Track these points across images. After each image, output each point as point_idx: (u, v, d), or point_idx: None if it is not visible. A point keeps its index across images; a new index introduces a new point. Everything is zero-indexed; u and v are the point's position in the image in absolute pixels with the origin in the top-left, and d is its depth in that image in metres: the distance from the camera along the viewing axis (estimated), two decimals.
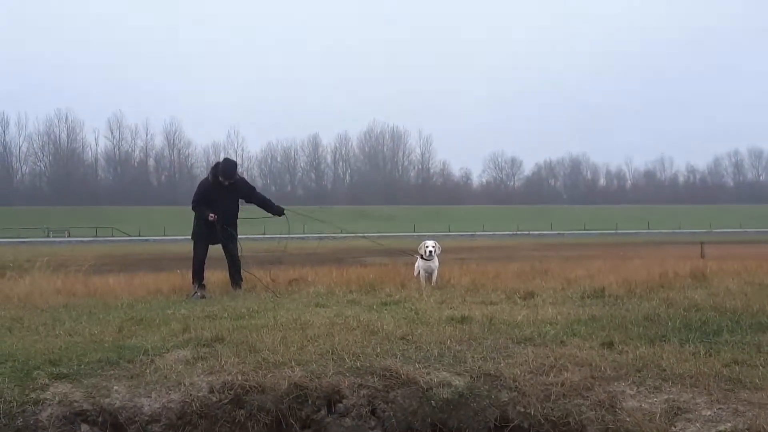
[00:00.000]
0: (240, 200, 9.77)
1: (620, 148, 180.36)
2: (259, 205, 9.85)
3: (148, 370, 4.82)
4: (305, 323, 6.37)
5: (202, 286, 9.38)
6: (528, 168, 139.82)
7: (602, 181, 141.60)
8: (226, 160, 9.62)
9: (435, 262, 9.90)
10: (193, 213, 9.67)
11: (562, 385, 4.49)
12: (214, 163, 9.73)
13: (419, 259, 10.06)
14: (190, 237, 9.91)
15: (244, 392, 4.53)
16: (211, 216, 9.25)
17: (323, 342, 5.49)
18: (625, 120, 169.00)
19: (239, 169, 9.80)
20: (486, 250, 33.82)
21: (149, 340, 5.72)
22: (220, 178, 9.31)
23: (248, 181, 10.20)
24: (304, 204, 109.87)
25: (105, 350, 5.32)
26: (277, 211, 9.90)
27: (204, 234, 9.50)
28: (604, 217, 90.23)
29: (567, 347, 5.27)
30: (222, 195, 9.37)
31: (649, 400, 4.25)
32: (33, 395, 4.43)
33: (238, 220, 9.81)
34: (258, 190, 10.14)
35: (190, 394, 4.49)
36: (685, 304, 7.06)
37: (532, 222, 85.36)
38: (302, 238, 53.31)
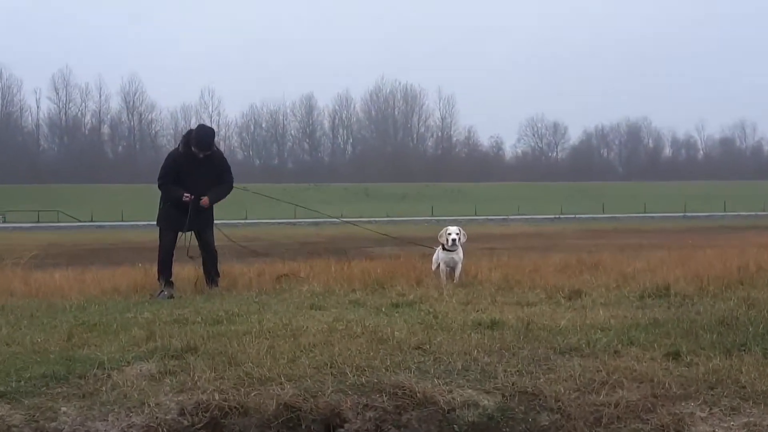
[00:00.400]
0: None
1: (690, 111, 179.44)
2: (216, 186, 9.70)
3: (103, 388, 4.84)
4: (297, 329, 6.38)
5: (169, 283, 9.42)
6: (574, 136, 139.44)
7: (667, 152, 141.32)
8: (201, 127, 9.62)
9: (459, 254, 9.91)
10: (160, 193, 9.69)
11: (617, 405, 4.50)
12: (185, 131, 9.73)
13: (439, 250, 10.07)
14: (155, 222, 9.93)
15: (222, 415, 4.55)
16: (186, 196, 9.26)
17: (320, 352, 5.51)
18: (696, 75, 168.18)
19: (216, 139, 9.81)
20: (522, 237, 33.81)
21: (105, 350, 5.74)
22: (193, 149, 9.32)
23: (225, 155, 10.19)
24: (295, 181, 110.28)
25: (50, 363, 5.35)
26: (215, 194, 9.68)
27: (173, 219, 9.52)
28: (669, 196, 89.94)
29: (622, 359, 5.27)
30: (195, 170, 9.37)
31: (725, 424, 4.25)
32: None
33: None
34: (236, 166, 10.13)
35: (156, 418, 4.52)
36: None
37: (579, 203, 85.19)
38: (292, 224, 53.48)
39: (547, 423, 4.49)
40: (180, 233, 9.61)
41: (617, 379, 4.82)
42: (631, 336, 5.94)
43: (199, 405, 4.60)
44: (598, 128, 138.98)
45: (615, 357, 5.34)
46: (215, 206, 9.84)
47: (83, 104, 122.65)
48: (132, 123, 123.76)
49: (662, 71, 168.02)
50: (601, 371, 4.97)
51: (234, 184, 9.92)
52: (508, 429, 4.49)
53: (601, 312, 7.07)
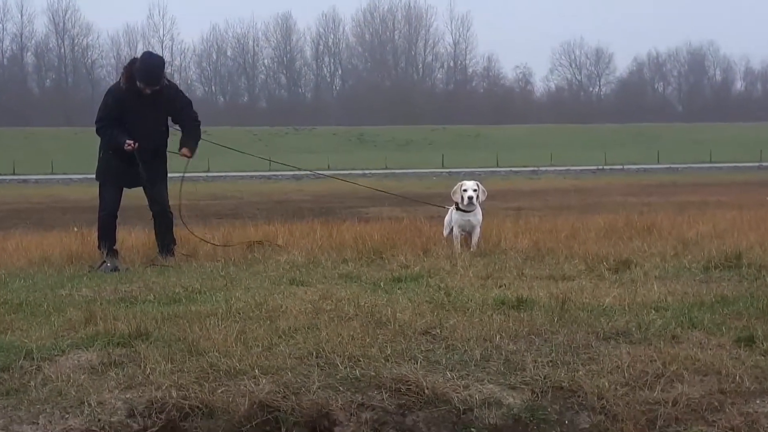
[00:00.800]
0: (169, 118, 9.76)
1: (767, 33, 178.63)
2: (184, 130, 9.79)
3: (32, 383, 4.86)
4: (274, 310, 6.39)
5: (113, 252, 9.43)
6: (622, 66, 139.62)
7: (739, 85, 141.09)
8: (147, 56, 9.60)
9: (477, 215, 9.91)
10: (99, 138, 9.67)
11: (675, 404, 4.52)
12: (128, 61, 9.70)
13: (452, 211, 10.07)
14: (94, 176, 9.91)
15: (181, 416, 4.57)
16: (129, 144, 9.25)
17: (303, 339, 5.52)
18: None
19: (167, 70, 9.77)
20: (555, 194, 33.85)
21: (33, 336, 5.73)
22: (138, 84, 9.28)
23: (182, 89, 10.17)
24: (270, 124, 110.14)
25: None
26: (181, 143, 9.78)
27: (116, 172, 9.51)
28: (740, 142, 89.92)
29: (682, 345, 5.29)
30: (142, 110, 9.34)
31: None
32: None
33: (168, 150, 9.82)
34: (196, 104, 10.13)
35: (99, 420, 4.53)
36: None
37: (628, 150, 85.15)
38: (267, 177, 53.47)
39: (587, 425, 4.52)
40: (126, 189, 9.61)
41: (676, 370, 4.84)
42: (693, 317, 5.95)
43: (152, 404, 4.61)
44: (651, 56, 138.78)
45: (673, 343, 5.36)
46: (168, 156, 9.83)
47: (1, 26, 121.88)
48: (63, 50, 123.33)
49: None
50: (655, 361, 4.99)
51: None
52: None
53: (655, 287, 7.08)
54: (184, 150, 9.63)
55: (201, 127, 9.91)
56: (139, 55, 9.68)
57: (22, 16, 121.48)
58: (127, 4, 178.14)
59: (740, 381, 4.72)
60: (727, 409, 4.48)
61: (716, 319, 5.90)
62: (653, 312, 6.15)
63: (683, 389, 4.63)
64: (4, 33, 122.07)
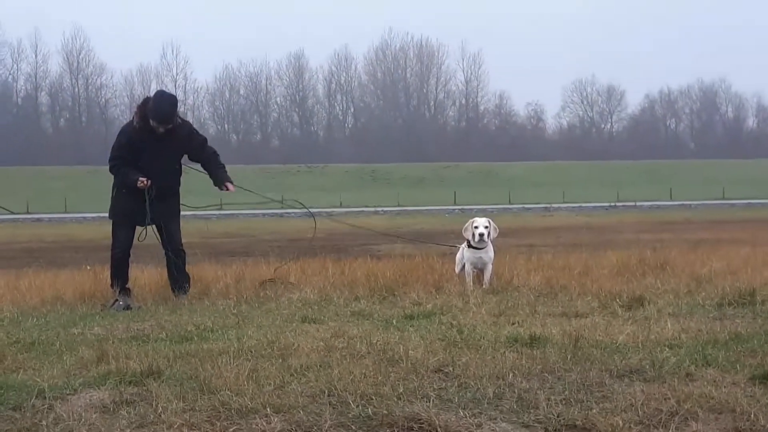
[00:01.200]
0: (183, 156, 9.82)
1: None
2: (204, 166, 9.89)
3: (44, 422, 4.85)
4: (286, 348, 6.39)
5: (125, 290, 9.45)
6: (634, 103, 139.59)
7: (751, 122, 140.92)
8: (160, 95, 9.65)
9: (489, 252, 9.92)
10: (112, 177, 9.71)
11: None
12: (142, 100, 9.75)
13: (464, 248, 10.08)
14: (107, 215, 9.95)
15: None
16: (141, 181, 9.29)
17: (315, 377, 5.51)
18: None
19: (181, 108, 9.82)
20: (568, 231, 33.80)
21: (45, 375, 5.75)
22: (151, 123, 9.34)
23: (195, 127, 10.23)
24: (282, 162, 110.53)
25: None
26: (220, 179, 9.87)
27: (129, 210, 9.55)
28: (753, 178, 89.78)
29: (696, 383, 5.26)
30: (155, 149, 9.40)
31: None
32: None
33: (181, 188, 9.86)
34: (210, 142, 10.19)
35: None
36: None
37: (641, 187, 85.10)
38: (279, 215, 53.56)
39: None
40: (137, 227, 9.65)
41: (690, 408, 4.80)
42: (708, 355, 5.92)
43: None
44: (663, 93, 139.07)
45: (687, 381, 5.32)
46: (182, 193, 9.88)
47: (15, 66, 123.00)
48: (77, 90, 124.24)
49: (744, 19, 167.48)
50: (669, 399, 4.95)
51: (202, 168, 10.00)
52: None
53: (668, 324, 7.05)
54: (228, 184, 9.73)
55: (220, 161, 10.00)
56: (152, 94, 9.74)
57: (36, 56, 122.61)
58: (141, 44, 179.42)
59: (755, 419, 4.68)
60: None
61: (731, 357, 5.86)
62: (667, 349, 6.13)
63: (698, 427, 4.59)
64: (19, 73, 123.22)
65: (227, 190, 9.71)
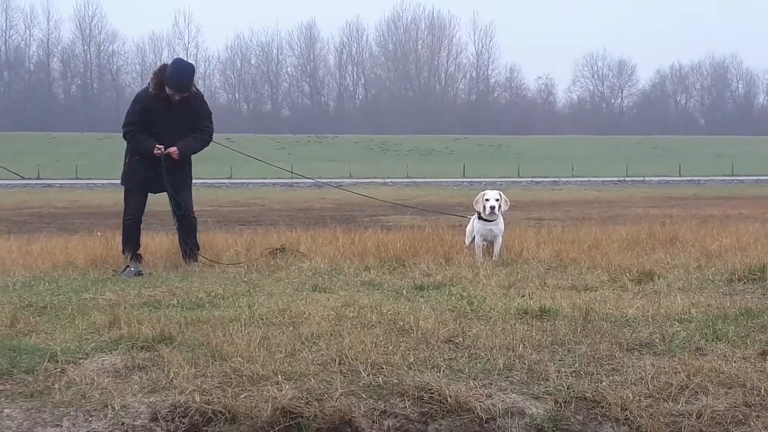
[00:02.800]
0: None
1: None
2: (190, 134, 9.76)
3: (56, 386, 4.87)
4: (297, 316, 6.40)
5: (137, 256, 9.47)
6: (644, 77, 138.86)
7: (761, 98, 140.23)
8: (179, 63, 9.63)
9: (499, 225, 9.91)
10: (124, 144, 9.71)
11: (699, 416, 4.49)
12: (158, 67, 9.72)
13: (474, 220, 10.07)
14: (119, 181, 9.95)
15: (204, 420, 4.57)
16: (158, 148, 9.28)
17: (326, 345, 5.53)
18: None
19: (195, 78, 9.80)
20: (577, 205, 33.76)
21: (58, 338, 5.77)
22: (167, 91, 9.32)
23: (205, 98, 10.19)
24: (292, 132, 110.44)
25: None
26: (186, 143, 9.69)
27: (141, 177, 9.56)
28: (763, 155, 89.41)
29: (707, 357, 5.26)
30: (170, 116, 9.38)
31: None
32: None
33: (193, 157, 9.86)
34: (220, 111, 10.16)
35: (122, 423, 4.53)
36: None
37: (650, 162, 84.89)
38: (289, 185, 53.59)
39: None
40: (150, 194, 9.66)
41: (700, 382, 4.81)
42: (717, 329, 5.93)
43: (175, 408, 4.61)
44: (674, 68, 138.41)
45: (697, 355, 5.34)
46: (193, 162, 9.87)
47: (27, 32, 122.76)
48: (88, 56, 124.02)
49: None
50: (679, 373, 4.96)
51: (214, 137, 9.94)
52: None
53: (678, 299, 7.05)
54: (173, 149, 9.42)
55: (209, 142, 9.87)
56: (168, 62, 9.70)
57: (48, 22, 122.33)
58: (153, 12, 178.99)
59: (765, 394, 4.69)
60: (752, 422, 4.46)
61: (740, 332, 5.87)
62: (677, 324, 6.13)
63: (708, 401, 4.60)
64: (31, 39, 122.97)
65: (168, 151, 9.41)
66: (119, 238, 9.90)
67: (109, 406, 4.60)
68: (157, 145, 9.29)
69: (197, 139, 9.70)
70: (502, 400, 4.70)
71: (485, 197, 9.88)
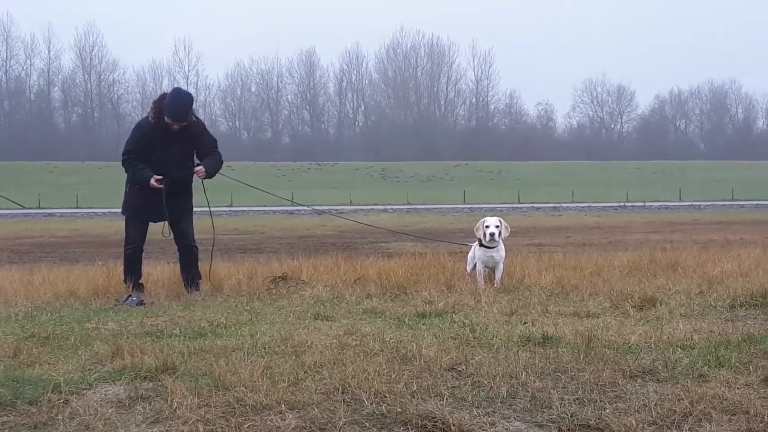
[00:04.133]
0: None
1: None
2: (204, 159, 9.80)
3: (60, 416, 4.86)
4: (300, 345, 6.41)
5: (139, 286, 9.48)
6: (644, 103, 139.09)
7: (761, 123, 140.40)
8: (176, 92, 9.66)
9: (500, 252, 9.93)
10: (124, 173, 9.74)
11: None
12: (158, 96, 9.77)
13: (475, 247, 10.08)
14: (119, 210, 9.97)
15: None
16: (155, 179, 9.31)
17: (329, 374, 5.53)
18: None
19: (194, 106, 9.84)
20: (578, 231, 33.73)
21: (61, 369, 5.77)
22: (167, 120, 9.36)
23: (207, 124, 10.24)
24: (293, 159, 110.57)
25: None
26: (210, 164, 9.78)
27: (142, 206, 9.58)
28: (763, 180, 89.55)
29: (710, 384, 5.25)
30: (169, 145, 9.42)
31: None
32: None
33: (193, 184, 9.88)
34: (220, 139, 10.19)
35: None
36: None
37: (650, 187, 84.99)
38: (289, 212, 53.61)
39: None
40: (150, 222, 9.68)
41: (703, 409, 4.80)
42: (720, 356, 5.92)
43: None
44: (673, 93, 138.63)
45: (700, 382, 5.33)
46: (194, 190, 9.90)
47: (28, 61, 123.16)
48: (89, 85, 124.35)
49: (755, 20, 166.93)
50: (682, 400, 4.95)
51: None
52: None
53: (681, 325, 7.06)
54: (200, 168, 9.55)
55: (223, 164, 9.90)
56: (168, 90, 9.75)
57: (49, 51, 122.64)
58: (153, 41, 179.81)
59: None
60: None
61: (743, 358, 5.86)
62: (680, 350, 6.13)
63: (711, 428, 4.59)
64: (32, 68, 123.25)
65: (197, 172, 9.56)
66: (121, 268, 9.91)
67: None
68: (156, 176, 9.30)
69: (215, 160, 9.74)
70: (506, 428, 4.69)
71: (485, 224, 9.90)
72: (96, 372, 5.70)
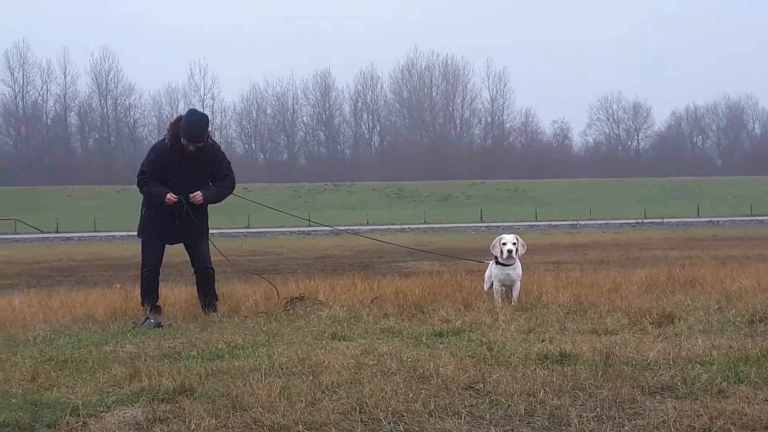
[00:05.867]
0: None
1: None
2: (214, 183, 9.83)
3: None
4: (317, 365, 6.40)
5: (156, 308, 9.50)
6: (660, 119, 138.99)
7: None
8: (192, 114, 9.71)
9: (517, 269, 9.90)
10: (141, 196, 9.77)
11: None
12: (174, 118, 9.82)
13: (492, 265, 10.06)
14: (135, 233, 10.00)
15: None
16: (170, 197, 9.34)
17: (346, 394, 5.52)
18: None
19: (209, 128, 9.88)
20: (595, 248, 33.67)
21: (79, 392, 5.79)
22: (183, 141, 9.40)
23: (223, 147, 10.28)
24: (309, 180, 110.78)
25: (11, 408, 5.39)
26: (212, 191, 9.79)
27: (158, 228, 9.61)
28: None
29: (729, 400, 5.22)
30: (185, 167, 9.45)
31: None
32: None
33: (209, 206, 9.90)
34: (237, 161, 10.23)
35: None
36: None
37: (668, 204, 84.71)
38: (306, 233, 53.69)
39: None
40: (167, 245, 9.72)
41: (722, 425, 4.77)
42: (739, 371, 5.88)
43: None
44: (689, 110, 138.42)
45: (719, 398, 5.30)
46: (210, 212, 9.93)
47: (44, 87, 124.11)
48: (105, 110, 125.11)
49: None
50: (701, 416, 4.93)
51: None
52: None
53: (699, 341, 7.02)
54: (197, 194, 9.50)
55: (233, 188, 9.94)
56: (184, 113, 9.80)
57: (65, 77, 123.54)
58: (169, 65, 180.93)
59: None
60: None
61: (763, 374, 5.82)
62: (698, 366, 6.09)
63: None
64: (48, 94, 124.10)
65: (192, 197, 9.48)
66: (138, 290, 9.94)
67: None
68: (169, 195, 9.32)
69: (220, 187, 9.77)
70: None
71: (502, 241, 9.88)
72: (114, 394, 5.71)
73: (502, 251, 9.81)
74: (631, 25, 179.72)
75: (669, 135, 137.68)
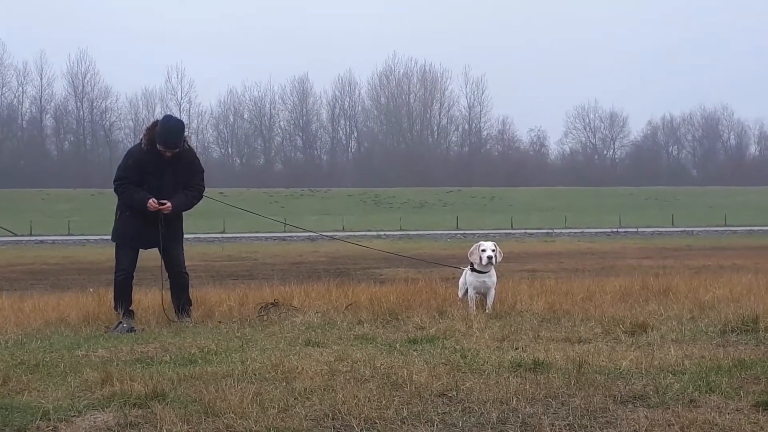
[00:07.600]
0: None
1: None
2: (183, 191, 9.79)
3: None
4: (290, 371, 6.39)
5: (129, 312, 9.46)
6: (636, 129, 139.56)
7: (753, 149, 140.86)
8: (167, 120, 9.67)
9: (492, 277, 9.92)
10: (116, 200, 9.74)
11: None
12: (151, 123, 9.79)
13: (467, 272, 10.08)
14: (110, 237, 9.96)
15: None
16: (152, 203, 9.31)
17: (319, 400, 5.52)
18: None
19: (185, 133, 9.85)
20: (570, 256, 33.79)
21: (50, 396, 5.76)
22: (159, 147, 9.38)
23: (199, 151, 10.25)
24: (285, 185, 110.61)
25: None
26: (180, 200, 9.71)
27: (133, 232, 9.58)
28: (755, 205, 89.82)
29: (700, 410, 5.25)
30: (161, 172, 9.44)
31: None
32: None
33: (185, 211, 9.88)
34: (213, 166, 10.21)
35: None
36: None
37: (642, 213, 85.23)
38: (281, 239, 53.60)
39: None
40: (141, 249, 9.68)
41: None
42: (711, 381, 5.92)
43: None
44: (665, 120, 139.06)
45: (691, 407, 5.32)
46: (186, 217, 9.90)
47: (20, 89, 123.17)
48: (81, 113, 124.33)
49: (747, 48, 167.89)
50: (673, 425, 4.95)
51: (205, 193, 9.98)
52: None
53: (672, 351, 7.06)
54: (167, 204, 9.42)
55: (201, 198, 9.90)
56: (160, 117, 9.77)
57: (41, 79, 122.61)
58: (146, 68, 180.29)
59: None
60: None
61: (734, 383, 5.86)
62: (670, 376, 6.12)
63: None
64: (24, 96, 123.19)
65: (160, 205, 9.40)
66: (111, 295, 9.89)
67: None
68: (150, 199, 9.30)
69: (189, 196, 9.73)
70: None
71: (481, 248, 9.89)
72: (85, 399, 5.68)
73: (481, 258, 9.82)
74: (608, 35, 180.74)
75: (645, 144, 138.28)
